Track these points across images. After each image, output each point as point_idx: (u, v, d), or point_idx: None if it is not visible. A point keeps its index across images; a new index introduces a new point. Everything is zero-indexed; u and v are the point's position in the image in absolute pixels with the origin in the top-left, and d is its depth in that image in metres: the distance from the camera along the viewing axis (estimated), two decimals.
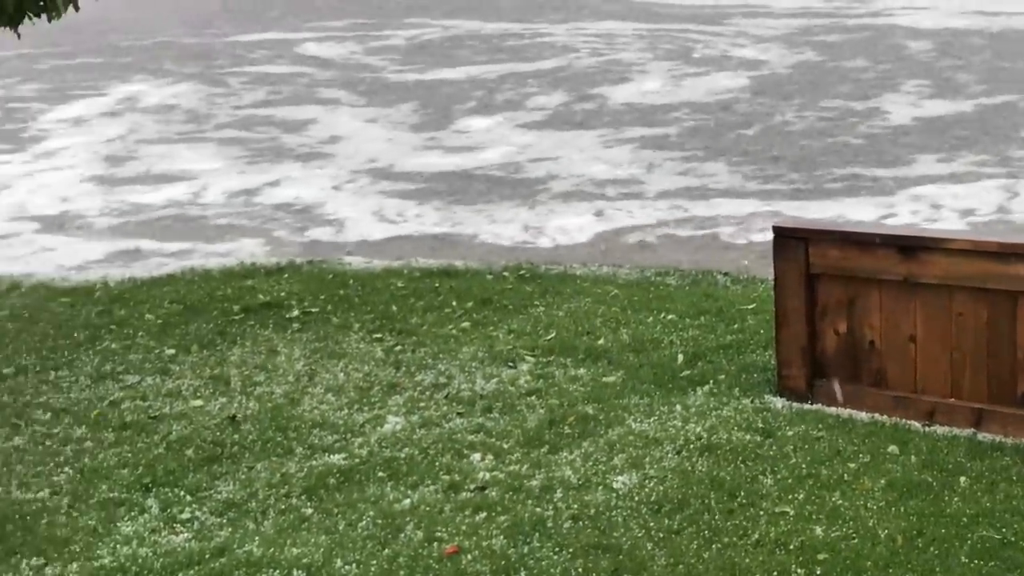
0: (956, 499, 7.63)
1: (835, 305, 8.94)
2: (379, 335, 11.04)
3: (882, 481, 7.88)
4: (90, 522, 8.16)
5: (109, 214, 16.61)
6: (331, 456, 8.80)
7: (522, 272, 12.53)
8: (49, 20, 9.68)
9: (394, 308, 11.65)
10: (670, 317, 10.93)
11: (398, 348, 10.71)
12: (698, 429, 8.73)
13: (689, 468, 8.21)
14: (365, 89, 23.02)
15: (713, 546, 7.30)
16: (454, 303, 11.70)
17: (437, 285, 12.29)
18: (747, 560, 7.12)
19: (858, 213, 14.42)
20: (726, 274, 12.14)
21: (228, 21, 30.18)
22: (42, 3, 9.47)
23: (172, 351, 10.97)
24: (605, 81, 22.67)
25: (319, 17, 29.91)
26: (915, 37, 27.05)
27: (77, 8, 9.66)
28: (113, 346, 11.17)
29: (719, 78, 22.69)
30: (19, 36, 10.19)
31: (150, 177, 18.51)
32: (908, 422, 8.67)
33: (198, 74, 25.31)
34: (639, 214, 15.18)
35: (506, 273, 12.56)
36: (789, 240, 9.02)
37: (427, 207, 16.06)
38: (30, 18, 9.64)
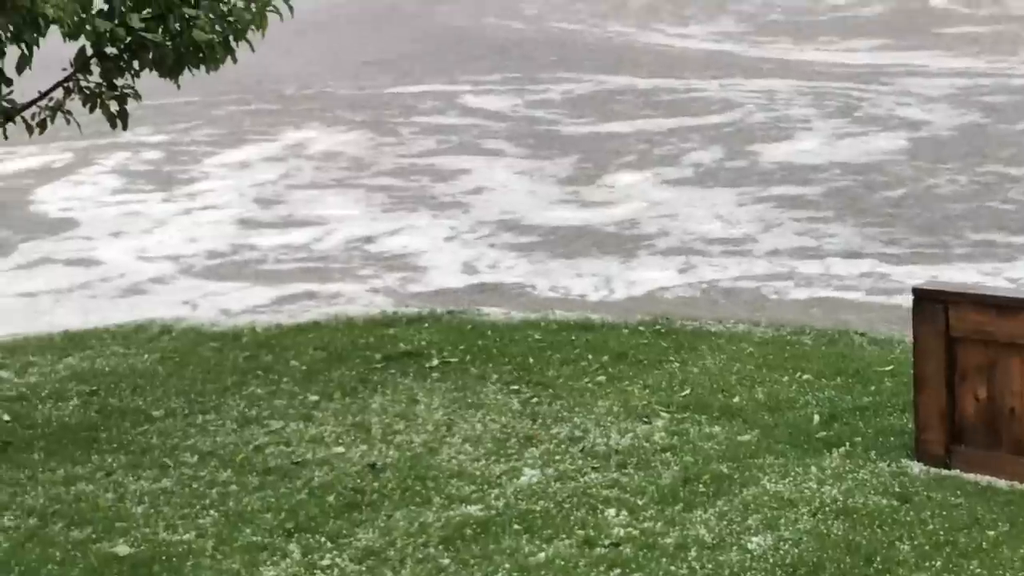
0: None
1: (975, 370, 8.82)
2: (516, 386, 11.03)
3: (1021, 551, 7.76)
4: (234, 565, 8.24)
5: (236, 256, 16.84)
6: (468, 507, 8.81)
7: (658, 327, 12.46)
8: (207, 71, 9.83)
9: (531, 360, 11.63)
10: (806, 377, 10.81)
11: (534, 400, 10.69)
12: (834, 492, 8.64)
13: (824, 531, 8.13)
14: (533, 141, 22.82)
15: None
16: (590, 356, 11.66)
17: (573, 338, 12.24)
18: None
19: (967, 278, 14.07)
20: (863, 334, 11.98)
21: (381, 73, 30.14)
22: (201, 55, 9.62)
23: (315, 397, 11.04)
24: (767, 138, 22.20)
25: (470, 71, 29.70)
26: None
27: (235, 60, 9.80)
28: (259, 391, 11.27)
29: (879, 138, 21.97)
30: (179, 86, 10.36)
31: (284, 221, 18.67)
32: None
33: (369, 123, 25.35)
34: (733, 269, 15.05)
35: (642, 328, 12.50)
36: (929, 303, 8.92)
37: (523, 259, 16.08)
38: (189, 69, 9.80)
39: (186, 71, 10.02)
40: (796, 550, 7.93)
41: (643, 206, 18.34)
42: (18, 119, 10.07)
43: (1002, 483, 8.67)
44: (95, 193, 20.66)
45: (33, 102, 10.05)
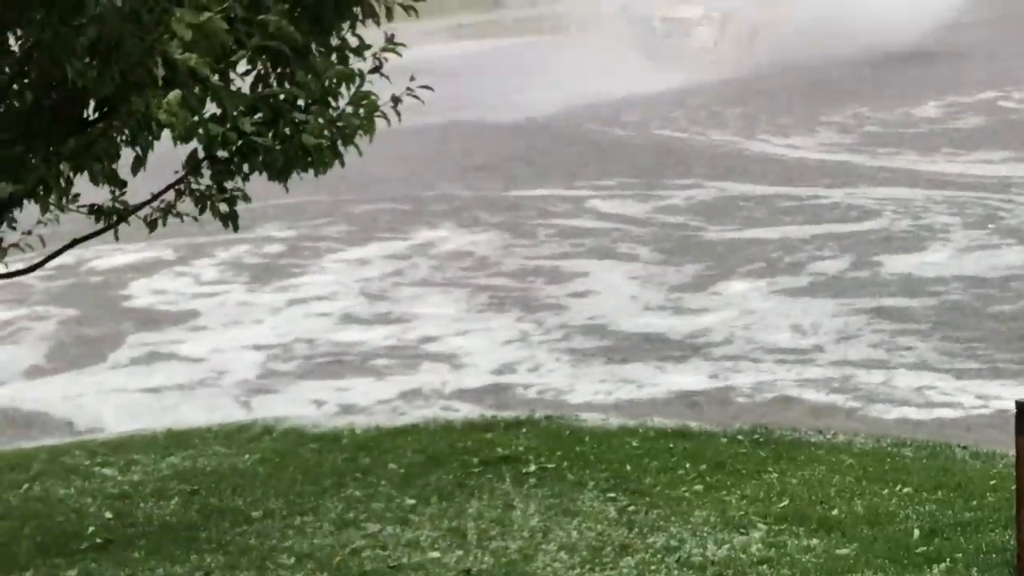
0: None
1: None
2: (612, 494, 10.92)
3: None
4: None
5: (316, 350, 17.17)
6: None
7: (756, 436, 12.34)
8: (316, 175, 9.89)
9: (628, 468, 11.53)
10: (906, 490, 10.61)
11: (631, 508, 10.58)
12: None
13: None
14: (670, 246, 22.74)
15: None
16: (687, 465, 11.54)
17: (671, 446, 12.14)
18: None
19: None
20: (964, 447, 11.81)
21: (490, 178, 30.11)
22: (309, 159, 9.69)
23: (412, 501, 10.99)
24: (898, 249, 21.80)
25: (583, 176, 29.64)
26: None
27: (343, 164, 9.85)
28: (357, 493, 11.24)
29: (1011, 252, 21.23)
30: (287, 189, 10.40)
31: (375, 318, 18.91)
32: None
33: (505, 224, 25.40)
34: (779, 376, 14.99)
35: (740, 437, 12.38)
36: None
37: (569, 364, 16.22)
38: (298, 173, 9.86)
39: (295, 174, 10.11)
40: None
41: (731, 315, 18.24)
42: (132, 219, 10.20)
43: None
44: (195, 286, 21.06)
45: (146, 203, 10.16)
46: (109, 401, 15.65)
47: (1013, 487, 9.08)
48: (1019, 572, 8.87)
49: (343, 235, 25.18)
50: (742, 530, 10.00)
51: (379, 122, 9.87)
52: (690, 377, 15.37)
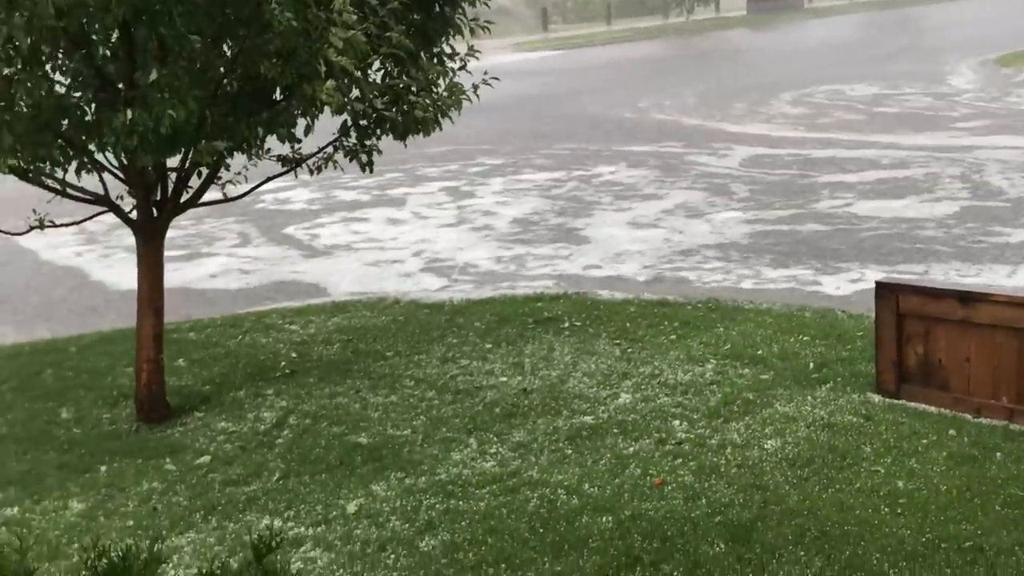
0: (993, 467, 7.35)
1: (915, 335, 8.68)
2: (618, 341, 11.00)
3: (943, 453, 7.64)
4: (433, 452, 8.38)
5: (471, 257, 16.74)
6: (585, 417, 8.87)
7: (710, 305, 12.35)
8: (424, 136, 9.91)
9: (628, 324, 11.58)
10: (805, 338, 10.64)
11: (630, 350, 10.67)
12: (822, 413, 8.56)
13: (815, 438, 8.06)
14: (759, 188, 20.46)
15: (829, 490, 7.17)
16: (666, 323, 11.58)
17: (655, 310, 12.15)
18: (851, 500, 6.98)
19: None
20: (844, 311, 11.76)
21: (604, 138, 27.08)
22: (418, 126, 9.72)
23: (489, 345, 11.12)
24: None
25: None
26: None
27: (441, 129, 9.84)
28: (453, 341, 11.37)
29: None
30: (405, 146, 10.42)
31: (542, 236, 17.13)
32: (963, 415, 8.36)
33: (660, 166, 22.00)
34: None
35: (699, 304, 12.40)
36: (884, 291, 8.79)
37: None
38: (412, 135, 9.89)
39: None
40: (796, 449, 7.88)
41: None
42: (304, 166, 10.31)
43: (932, 409, 8.53)
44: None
45: (314, 155, 10.25)
46: (344, 274, 15.47)
47: (874, 336, 9.13)
48: (877, 389, 8.94)
49: (543, 165, 23.57)
50: (700, 363, 10.08)
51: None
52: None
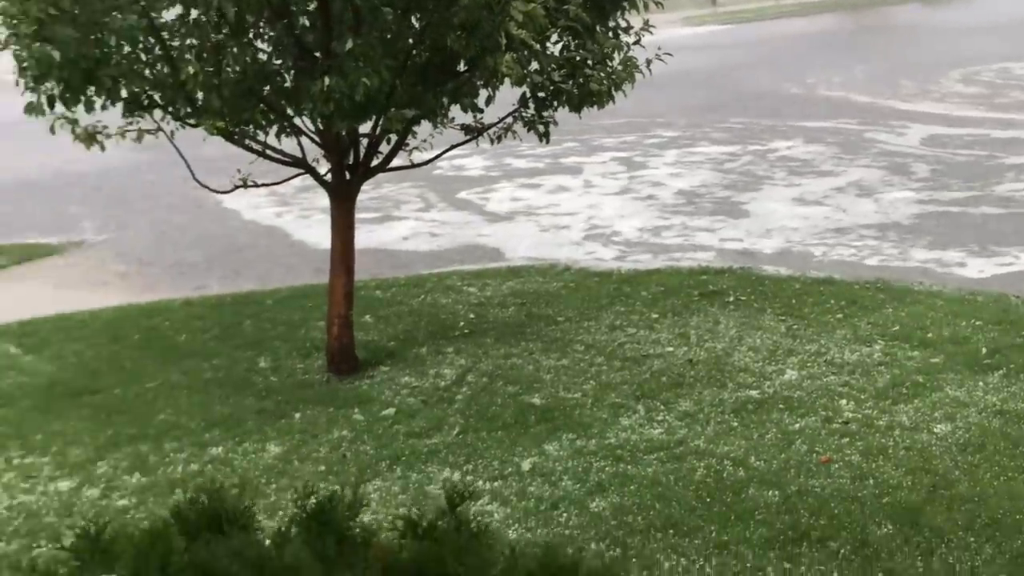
0: None
1: None
2: (783, 317, 10.70)
3: None
4: (603, 416, 8.34)
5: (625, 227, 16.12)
6: (750, 391, 8.70)
7: (878, 285, 11.87)
8: (599, 109, 9.79)
9: (793, 301, 11.23)
10: (977, 322, 10.14)
11: (795, 327, 10.35)
12: (994, 399, 8.18)
13: (987, 424, 7.72)
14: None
15: (1000, 478, 6.87)
16: (832, 301, 11.17)
17: (822, 288, 11.74)
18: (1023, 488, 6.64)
19: None
20: (1017, 296, 11.16)
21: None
22: (593, 99, 9.60)
23: (656, 315, 10.96)
24: None
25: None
26: None
27: (614, 102, 9.70)
28: (621, 309, 11.25)
29: None
30: (580, 116, 10.28)
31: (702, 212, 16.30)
32: None
33: (838, 143, 20.61)
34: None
35: (867, 284, 11.94)
36: None
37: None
38: (587, 107, 9.77)
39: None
40: (967, 435, 7.57)
41: None
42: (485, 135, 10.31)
43: None
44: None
45: (494, 124, 10.24)
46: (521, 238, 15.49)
47: None
48: None
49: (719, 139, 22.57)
50: (867, 344, 9.73)
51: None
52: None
